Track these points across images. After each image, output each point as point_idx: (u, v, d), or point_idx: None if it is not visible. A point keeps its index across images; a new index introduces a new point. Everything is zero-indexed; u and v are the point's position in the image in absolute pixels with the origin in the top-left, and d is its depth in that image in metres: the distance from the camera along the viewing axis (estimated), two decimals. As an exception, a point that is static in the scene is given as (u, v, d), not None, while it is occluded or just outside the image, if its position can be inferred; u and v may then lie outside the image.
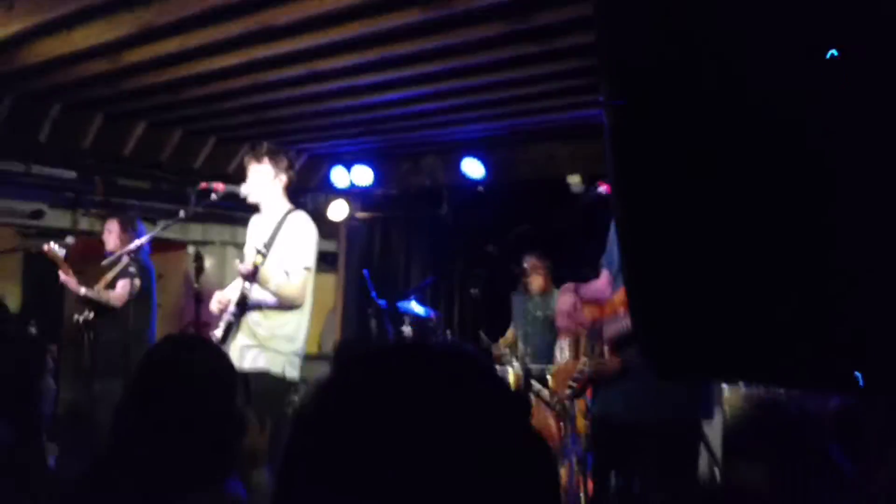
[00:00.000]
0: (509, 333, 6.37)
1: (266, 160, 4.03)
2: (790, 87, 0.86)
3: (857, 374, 0.89)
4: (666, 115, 0.96)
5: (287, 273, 3.93)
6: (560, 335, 3.58)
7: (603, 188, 3.02)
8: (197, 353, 1.88)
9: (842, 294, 0.88)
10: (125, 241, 5.23)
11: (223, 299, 4.07)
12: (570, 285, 3.49)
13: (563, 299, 3.35)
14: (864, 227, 0.90)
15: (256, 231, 4.15)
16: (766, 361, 1.02)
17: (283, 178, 4.09)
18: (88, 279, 5.34)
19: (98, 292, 5.23)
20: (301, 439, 0.79)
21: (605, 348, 3.09)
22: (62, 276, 5.21)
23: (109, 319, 5.21)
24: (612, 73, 0.94)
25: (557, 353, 3.65)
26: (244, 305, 3.99)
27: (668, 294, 0.98)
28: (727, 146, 0.93)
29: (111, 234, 5.39)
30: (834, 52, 0.80)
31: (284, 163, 4.09)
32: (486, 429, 0.76)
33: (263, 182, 4.05)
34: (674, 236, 0.94)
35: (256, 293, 3.96)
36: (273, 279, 3.87)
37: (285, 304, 3.96)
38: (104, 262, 5.17)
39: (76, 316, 5.34)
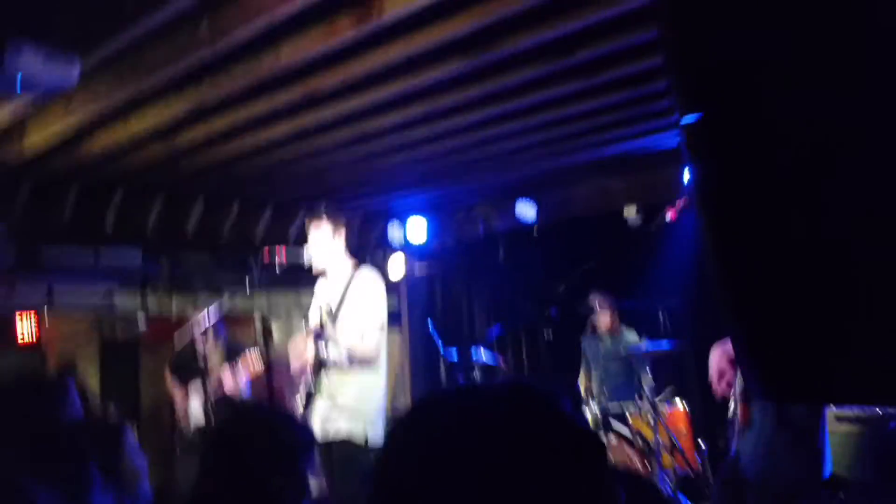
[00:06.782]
0: (583, 375, 6.25)
1: (324, 219, 4.07)
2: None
3: None
4: (747, 128, 0.91)
5: (361, 334, 3.91)
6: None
7: (669, 215, 2.95)
8: (255, 423, 1.95)
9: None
10: None
11: (301, 356, 4.02)
12: (721, 344, 3.47)
13: (715, 357, 3.41)
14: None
15: (324, 294, 4.16)
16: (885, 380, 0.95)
17: (342, 235, 4.11)
18: (159, 359, 5.40)
19: None
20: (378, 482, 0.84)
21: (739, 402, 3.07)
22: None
23: None
24: (686, 88, 0.90)
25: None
26: (320, 368, 3.96)
27: (771, 313, 0.92)
28: (818, 154, 0.88)
29: None
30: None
31: (342, 220, 4.13)
32: (548, 464, 0.78)
33: (324, 242, 4.07)
34: (772, 252, 0.89)
35: (332, 355, 3.94)
36: (344, 340, 3.85)
37: (362, 365, 3.91)
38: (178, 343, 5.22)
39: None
